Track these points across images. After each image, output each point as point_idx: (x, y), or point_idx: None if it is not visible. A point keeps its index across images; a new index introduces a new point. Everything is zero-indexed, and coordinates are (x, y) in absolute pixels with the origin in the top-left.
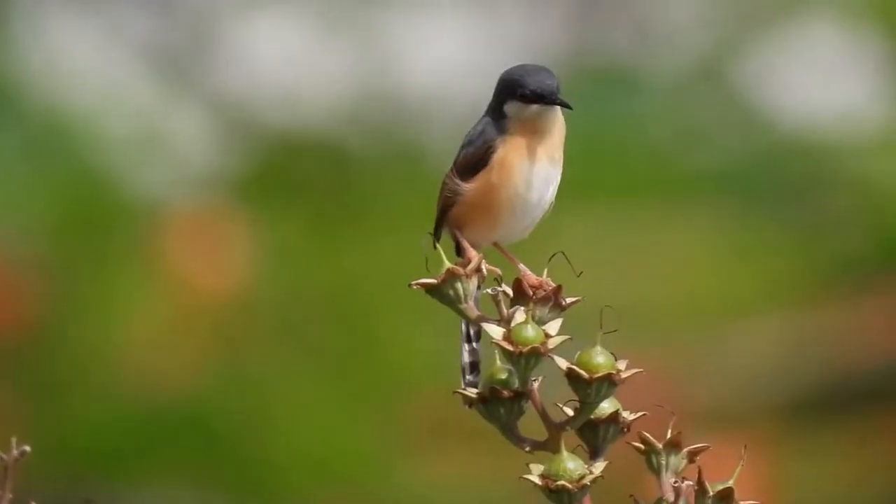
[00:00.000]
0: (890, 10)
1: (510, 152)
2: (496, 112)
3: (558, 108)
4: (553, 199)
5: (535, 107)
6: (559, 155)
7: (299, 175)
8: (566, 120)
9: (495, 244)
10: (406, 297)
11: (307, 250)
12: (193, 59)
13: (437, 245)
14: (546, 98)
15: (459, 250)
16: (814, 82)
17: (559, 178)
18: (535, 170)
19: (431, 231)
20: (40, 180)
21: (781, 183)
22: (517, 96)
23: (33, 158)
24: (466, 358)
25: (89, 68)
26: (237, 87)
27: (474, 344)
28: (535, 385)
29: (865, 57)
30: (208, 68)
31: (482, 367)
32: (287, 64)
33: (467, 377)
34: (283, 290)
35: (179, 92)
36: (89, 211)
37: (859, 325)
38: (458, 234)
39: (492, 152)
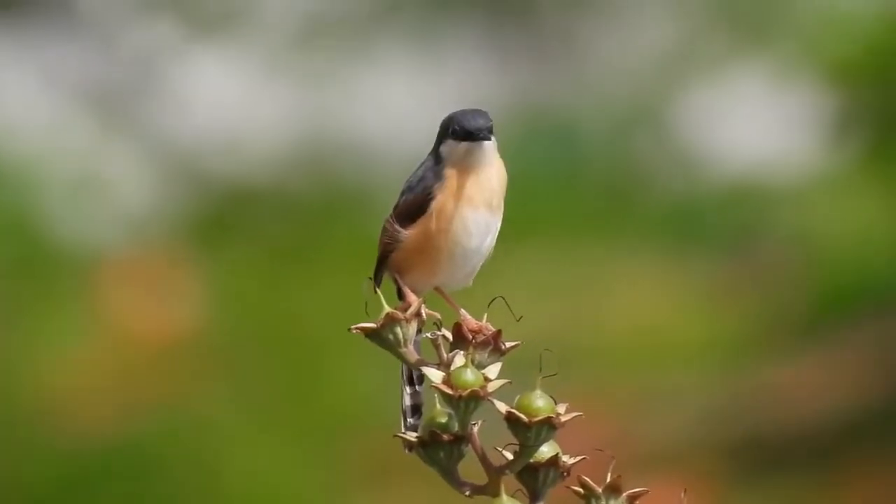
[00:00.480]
0: (828, 59)
1: (449, 199)
2: (436, 156)
3: (491, 149)
4: (492, 246)
5: (464, 144)
6: (498, 201)
7: (244, 219)
8: (507, 167)
9: (436, 289)
10: (351, 338)
11: (252, 293)
12: (134, 101)
13: (378, 289)
14: (473, 135)
15: (400, 294)
16: (751, 130)
17: (499, 225)
18: (474, 217)
19: (371, 275)
20: None
21: (720, 228)
22: (449, 135)
23: None
24: (408, 401)
25: (25, 110)
26: (180, 130)
27: (416, 387)
28: (475, 429)
29: (804, 106)
30: (150, 111)
31: (424, 409)
32: (231, 107)
33: (409, 420)
34: (227, 333)
35: (120, 135)
36: (27, 256)
37: (798, 375)
38: (398, 278)
39: (430, 199)
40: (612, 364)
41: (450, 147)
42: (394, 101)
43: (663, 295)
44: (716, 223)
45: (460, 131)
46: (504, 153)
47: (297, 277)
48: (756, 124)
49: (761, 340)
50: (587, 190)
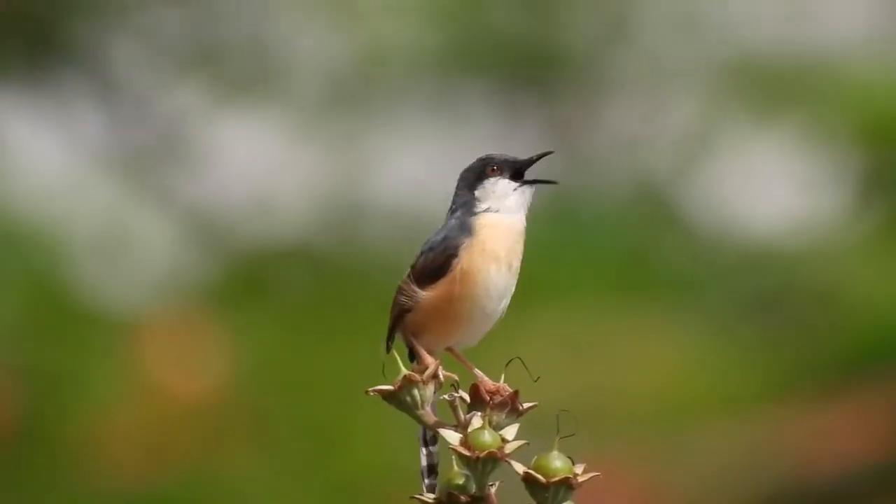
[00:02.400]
0: (852, 122)
1: (474, 261)
2: (461, 214)
3: (522, 213)
4: (506, 307)
5: (513, 185)
6: (518, 263)
7: (271, 280)
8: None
9: (449, 349)
10: (376, 398)
11: (279, 353)
12: (163, 163)
13: (392, 350)
14: (523, 164)
15: (413, 356)
16: (776, 194)
17: (514, 288)
18: (495, 280)
19: (385, 337)
20: (5, 289)
21: (744, 289)
22: (492, 174)
23: None
24: (424, 462)
25: (55, 171)
26: (208, 192)
27: (431, 447)
28: (493, 490)
29: (828, 168)
30: (179, 173)
31: (441, 469)
32: (258, 170)
33: (426, 481)
34: (254, 393)
35: (150, 197)
36: (57, 319)
37: (822, 430)
38: (412, 340)
39: (454, 259)
40: (634, 424)
41: (494, 188)
42: (417, 165)
43: (684, 354)
44: (739, 284)
45: (512, 166)
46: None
47: (323, 338)
48: (781, 187)
49: (785, 396)
50: (606, 251)
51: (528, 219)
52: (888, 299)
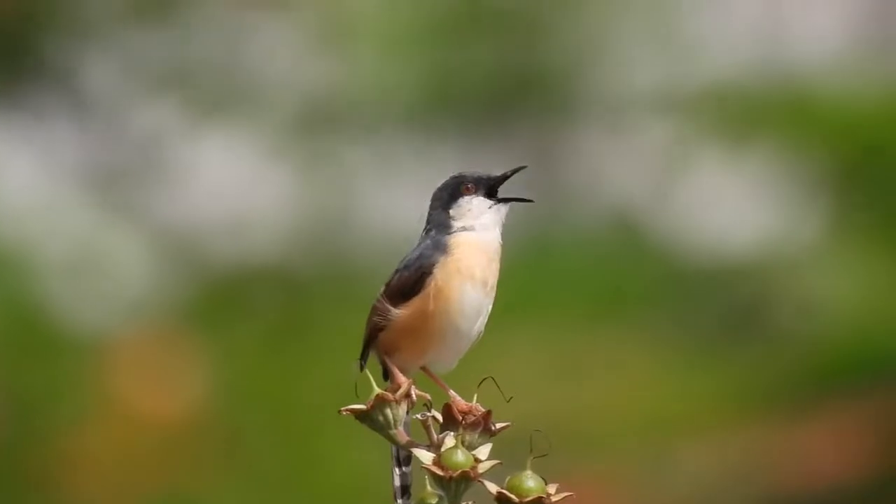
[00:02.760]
0: (818, 143)
1: (449, 279)
2: (436, 233)
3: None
4: (482, 329)
5: (488, 202)
6: (493, 282)
7: (246, 300)
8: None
9: (423, 368)
10: (351, 418)
11: (253, 373)
12: (137, 182)
13: (365, 369)
14: (497, 181)
15: (387, 374)
16: (747, 213)
17: (490, 308)
18: (470, 298)
19: (359, 356)
20: None
21: (719, 309)
22: (466, 192)
23: None
24: (397, 482)
25: (28, 191)
26: (182, 211)
27: (404, 468)
28: None
29: (798, 188)
30: (153, 192)
31: (414, 489)
32: (233, 189)
33: (399, 501)
34: (228, 413)
35: (123, 216)
36: (29, 337)
37: (798, 447)
38: (385, 358)
39: (428, 277)
40: (612, 443)
41: (469, 206)
42: (394, 184)
43: (660, 373)
44: (714, 304)
45: (486, 184)
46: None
47: (298, 358)
48: (755, 208)
49: (761, 414)
50: (583, 272)
51: (506, 241)
52: (861, 316)
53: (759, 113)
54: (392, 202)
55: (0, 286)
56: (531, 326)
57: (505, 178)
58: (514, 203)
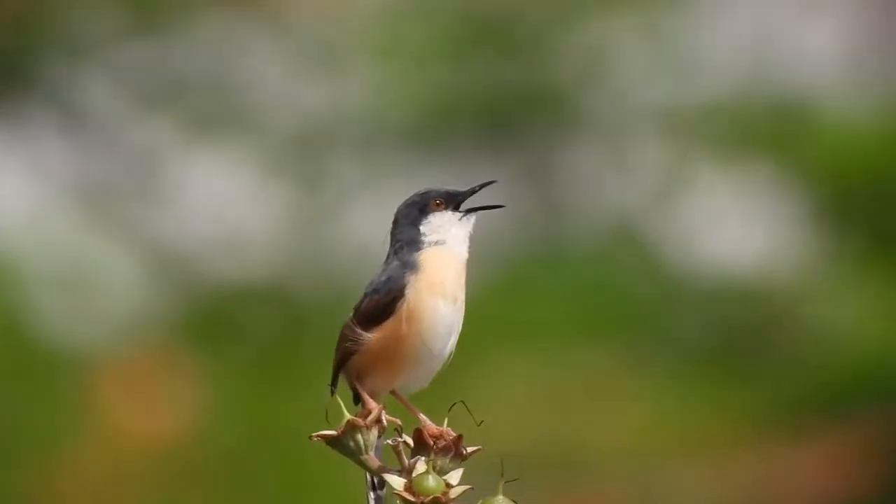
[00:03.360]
0: (815, 162)
1: (421, 298)
2: (406, 251)
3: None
4: (454, 348)
5: (457, 215)
6: (462, 296)
7: (238, 320)
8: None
9: (393, 392)
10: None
11: (244, 393)
12: (130, 200)
13: (336, 394)
14: (465, 195)
15: (358, 399)
16: (745, 232)
17: (461, 326)
18: (443, 316)
19: (330, 381)
20: None
21: (715, 329)
22: (435, 207)
23: None
24: None
25: (19, 206)
26: (175, 230)
27: (379, 491)
28: None
29: (795, 206)
30: (146, 210)
31: None
32: (226, 209)
33: None
34: (218, 433)
35: (116, 233)
36: (19, 353)
37: (794, 470)
38: (356, 383)
39: (399, 300)
40: (602, 466)
41: (441, 221)
42: (388, 204)
43: (653, 395)
44: (711, 325)
45: (454, 199)
46: (489, 262)
47: (290, 378)
48: (752, 227)
49: (757, 437)
50: (578, 292)
51: (502, 260)
52: (858, 338)
53: (758, 133)
54: (386, 222)
55: None
56: (524, 347)
57: (472, 192)
58: (510, 222)
